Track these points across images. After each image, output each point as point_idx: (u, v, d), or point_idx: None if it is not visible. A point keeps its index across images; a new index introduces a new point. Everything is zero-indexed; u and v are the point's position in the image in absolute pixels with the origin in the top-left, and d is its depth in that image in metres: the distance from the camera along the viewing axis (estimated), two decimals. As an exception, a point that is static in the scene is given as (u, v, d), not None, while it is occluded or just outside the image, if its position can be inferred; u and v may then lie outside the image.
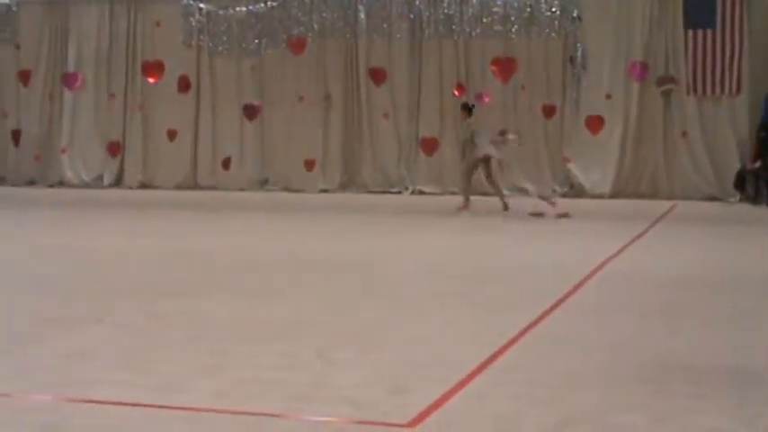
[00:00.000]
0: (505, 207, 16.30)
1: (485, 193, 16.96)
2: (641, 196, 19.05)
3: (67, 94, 21.78)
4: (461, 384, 5.92)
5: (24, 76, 21.95)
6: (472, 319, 7.99)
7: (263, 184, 20.58)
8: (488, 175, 16.45)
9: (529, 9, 19.69)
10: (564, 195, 19.31)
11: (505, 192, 16.83)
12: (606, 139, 19.49)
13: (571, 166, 19.64)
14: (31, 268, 10.67)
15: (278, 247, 12.61)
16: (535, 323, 7.67)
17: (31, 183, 21.75)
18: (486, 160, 16.30)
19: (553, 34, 19.67)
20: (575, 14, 19.47)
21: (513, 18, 19.77)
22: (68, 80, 21.75)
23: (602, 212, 17.18)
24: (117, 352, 6.82)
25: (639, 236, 13.35)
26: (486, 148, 16.29)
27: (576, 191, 19.48)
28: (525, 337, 7.24)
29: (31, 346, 6.96)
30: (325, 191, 18.40)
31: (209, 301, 8.67)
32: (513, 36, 19.79)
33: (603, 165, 19.46)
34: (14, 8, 22.02)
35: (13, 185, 21.68)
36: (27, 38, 21.98)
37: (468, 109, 16.95)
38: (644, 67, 19.34)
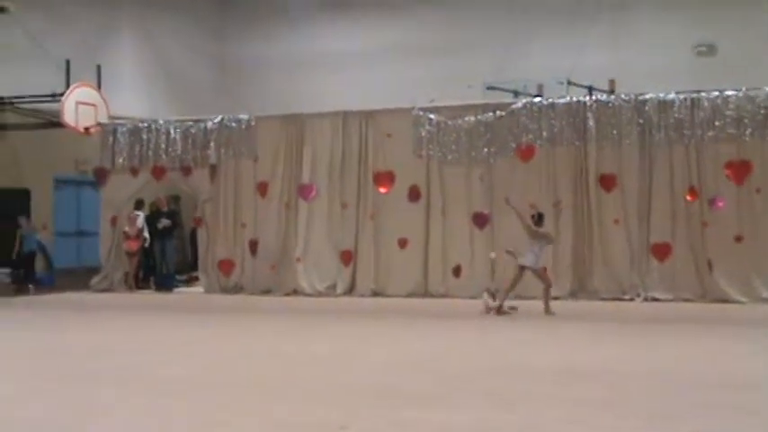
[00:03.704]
0: (498, 309, 17.48)
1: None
2: None
3: (302, 205, 22.41)
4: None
5: (262, 188, 22.72)
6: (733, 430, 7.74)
7: (493, 291, 20.56)
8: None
9: (763, 111, 19.25)
10: (804, 301, 18.67)
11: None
12: None
13: (812, 271, 18.92)
14: (268, 372, 10.94)
15: (509, 354, 12.57)
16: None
17: (267, 291, 22.35)
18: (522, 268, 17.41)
19: (789, 135, 19.19)
20: (811, 115, 18.95)
21: (746, 120, 19.36)
22: (303, 191, 22.41)
23: None
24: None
25: None
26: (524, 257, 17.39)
27: (817, 296, 18.75)
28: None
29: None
30: (555, 298, 18.23)
31: (448, 408, 8.70)
32: (747, 139, 19.36)
33: None
34: (253, 123, 22.95)
35: (251, 294, 22.36)
36: (264, 151, 22.77)
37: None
38: None
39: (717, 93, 19.62)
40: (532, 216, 17.67)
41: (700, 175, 19.70)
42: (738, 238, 19.27)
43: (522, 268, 17.41)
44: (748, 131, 19.33)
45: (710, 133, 19.54)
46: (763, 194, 19.26)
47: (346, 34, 30.60)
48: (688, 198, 19.72)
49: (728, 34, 26.39)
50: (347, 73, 29.91)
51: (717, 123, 19.52)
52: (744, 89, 19.49)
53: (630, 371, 10.96)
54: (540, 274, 17.57)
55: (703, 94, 19.73)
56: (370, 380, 10.45)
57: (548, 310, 17.23)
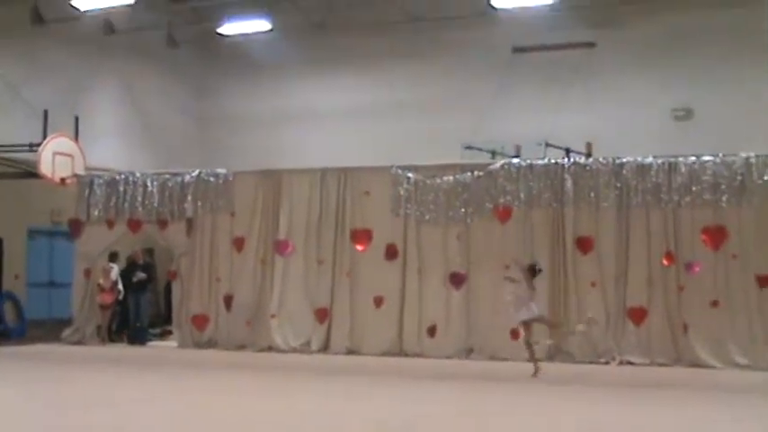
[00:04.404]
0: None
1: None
2: None
3: (278, 261, 22.32)
4: None
5: (238, 243, 22.64)
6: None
7: (468, 352, 20.52)
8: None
9: (740, 177, 19.35)
10: (781, 369, 18.66)
11: None
12: (826, 310, 18.79)
13: (788, 339, 18.93)
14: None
15: (481, 418, 12.47)
16: None
17: (242, 347, 22.17)
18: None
19: (765, 203, 19.21)
20: (788, 182, 19.06)
21: (723, 186, 19.44)
22: (280, 247, 22.34)
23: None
24: None
25: None
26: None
27: (793, 364, 18.74)
28: None
29: None
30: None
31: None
32: (724, 204, 19.43)
33: (825, 338, 18.72)
34: (230, 178, 22.90)
35: (224, 349, 22.18)
36: (241, 206, 22.73)
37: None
38: None
39: (694, 158, 19.73)
40: (531, 270, 17.59)
41: (676, 239, 19.75)
42: (714, 304, 19.29)
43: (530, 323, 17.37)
44: (725, 197, 19.42)
45: (687, 198, 19.62)
46: (739, 260, 19.31)
47: (326, 91, 30.68)
48: (664, 262, 19.75)
49: (705, 98, 26.59)
50: (326, 129, 29.98)
51: (694, 189, 19.60)
52: (720, 155, 19.60)
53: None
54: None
55: (681, 159, 19.82)
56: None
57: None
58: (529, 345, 17.39)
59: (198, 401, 13.94)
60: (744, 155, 19.47)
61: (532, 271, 17.56)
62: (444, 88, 29.16)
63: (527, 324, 17.34)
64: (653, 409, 13.65)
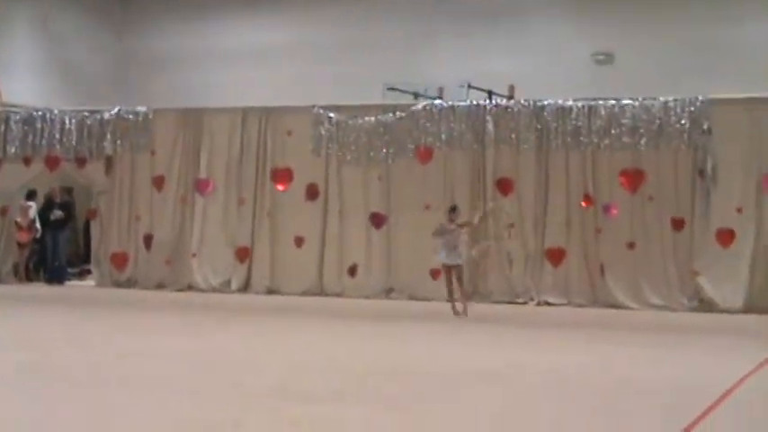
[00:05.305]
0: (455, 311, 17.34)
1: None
2: (775, 311, 18.59)
3: (199, 200, 22.19)
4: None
5: (158, 182, 22.44)
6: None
7: (388, 292, 20.62)
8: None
9: (658, 121, 19.53)
10: (693, 309, 18.99)
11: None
12: (737, 252, 19.11)
13: (701, 280, 19.25)
14: (161, 370, 10.78)
15: (402, 356, 12.54)
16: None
17: (161, 286, 22.07)
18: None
19: (682, 146, 19.45)
20: (705, 127, 19.25)
21: (641, 130, 19.61)
22: (200, 186, 22.20)
23: (733, 328, 16.81)
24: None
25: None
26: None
27: (705, 305, 19.06)
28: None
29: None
30: (449, 300, 18.31)
31: (342, 407, 8.67)
32: (642, 148, 19.62)
33: (734, 279, 19.05)
34: (150, 116, 22.63)
35: (144, 288, 22.05)
36: (162, 144, 22.51)
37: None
38: (777, 180, 19.06)
39: (613, 102, 19.87)
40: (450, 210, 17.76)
41: (595, 181, 19.95)
42: (631, 245, 19.56)
43: (449, 268, 17.41)
44: (643, 141, 19.59)
45: (606, 141, 19.77)
46: (655, 203, 19.56)
47: (250, 30, 30.34)
48: (583, 204, 19.96)
49: (626, 43, 26.74)
50: (248, 69, 29.66)
51: (613, 132, 19.74)
52: (640, 99, 19.76)
53: (522, 374, 11.02)
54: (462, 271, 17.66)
55: (600, 102, 19.96)
56: (263, 378, 10.35)
57: (465, 310, 17.29)
58: (449, 286, 17.54)
59: (116, 341, 13.86)
60: (662, 99, 19.64)
61: (450, 212, 17.70)
62: (368, 29, 28.97)
63: (447, 267, 17.47)
64: (570, 347, 13.86)
